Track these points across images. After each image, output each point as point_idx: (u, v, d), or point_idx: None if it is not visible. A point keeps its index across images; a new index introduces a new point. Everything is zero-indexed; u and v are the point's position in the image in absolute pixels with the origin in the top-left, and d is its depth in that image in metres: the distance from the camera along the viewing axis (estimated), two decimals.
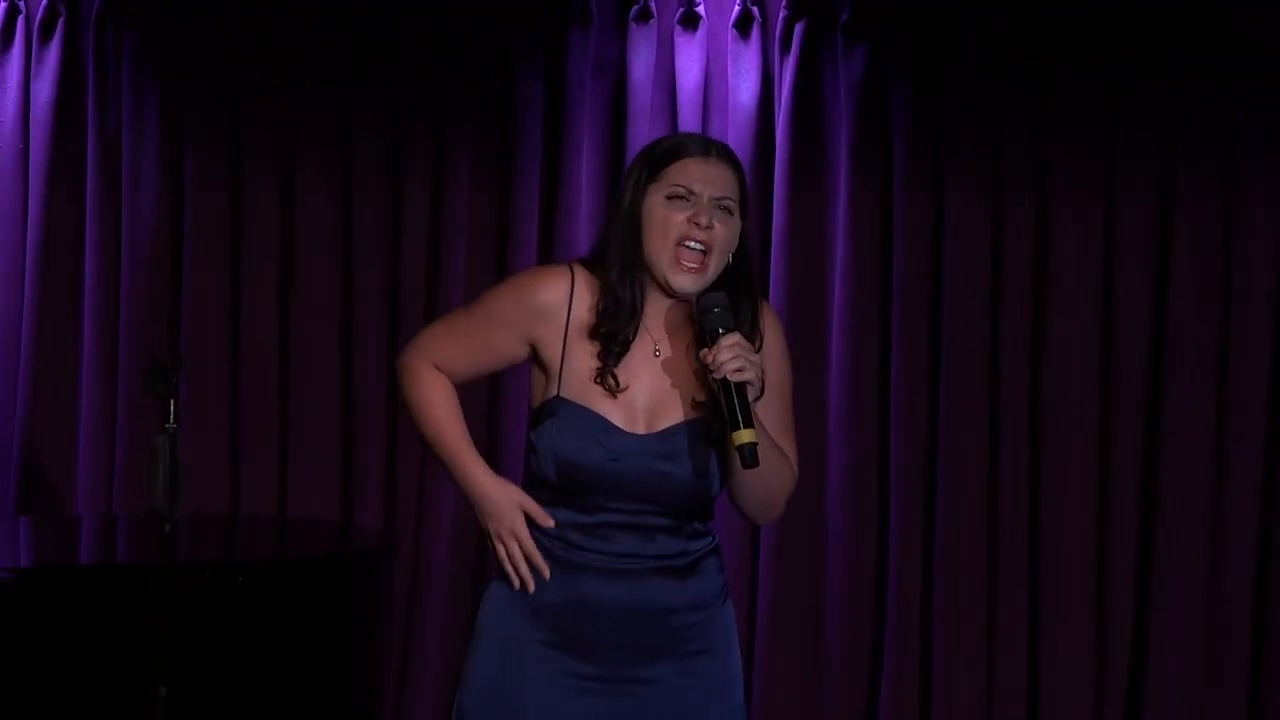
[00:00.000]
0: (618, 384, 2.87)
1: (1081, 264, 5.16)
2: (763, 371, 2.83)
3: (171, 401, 4.01)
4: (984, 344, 5.20)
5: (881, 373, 5.24)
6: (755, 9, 5.23)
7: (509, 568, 2.90)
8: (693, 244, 2.85)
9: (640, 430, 2.87)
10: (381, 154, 5.31)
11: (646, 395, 2.89)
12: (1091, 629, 5.19)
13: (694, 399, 2.89)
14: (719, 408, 2.85)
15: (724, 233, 2.87)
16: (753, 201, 5.24)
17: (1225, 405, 5.15)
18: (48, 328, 5.31)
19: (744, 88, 5.24)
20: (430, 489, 5.34)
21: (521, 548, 2.89)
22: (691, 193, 2.87)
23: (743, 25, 5.24)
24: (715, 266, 2.89)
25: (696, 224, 2.85)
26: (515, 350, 2.96)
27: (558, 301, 2.91)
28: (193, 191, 5.30)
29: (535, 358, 2.95)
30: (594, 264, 2.94)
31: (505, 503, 2.92)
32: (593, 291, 2.92)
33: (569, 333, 2.91)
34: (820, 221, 5.24)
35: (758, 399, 2.83)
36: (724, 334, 2.80)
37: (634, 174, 2.92)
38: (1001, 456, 5.19)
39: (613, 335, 2.89)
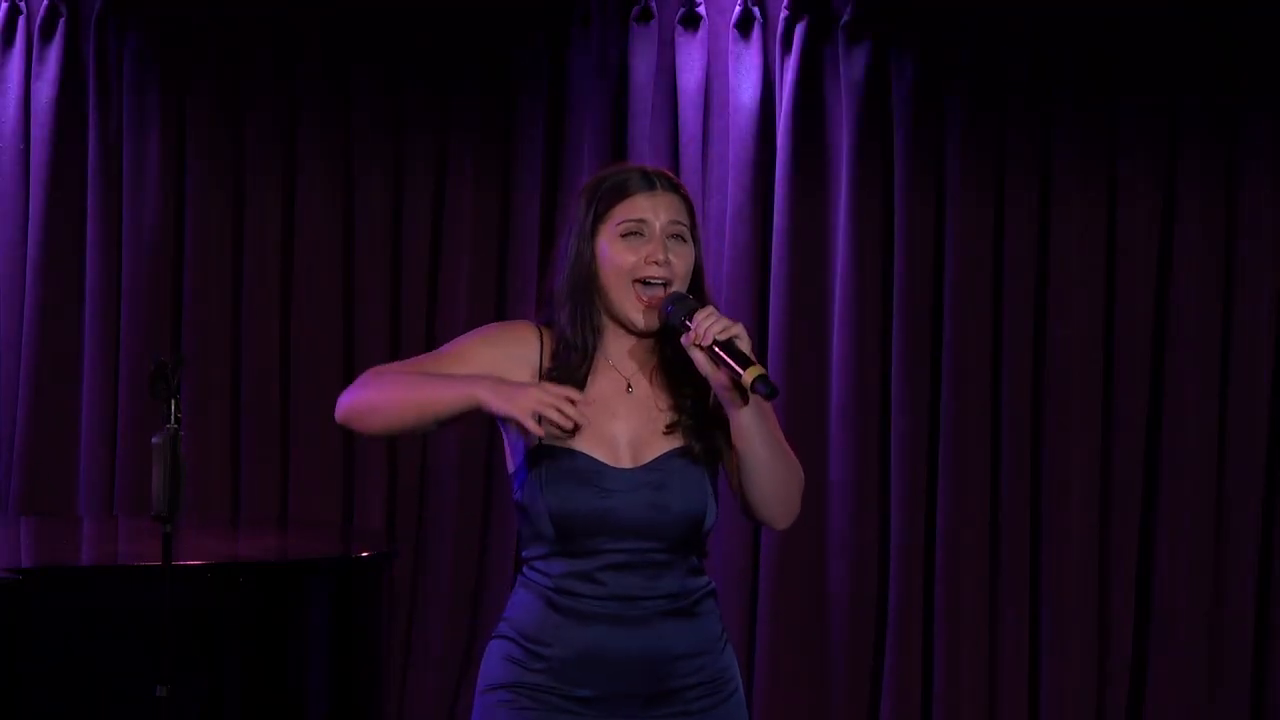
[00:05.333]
0: (576, 424, 2.76)
1: (1083, 264, 5.18)
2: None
3: (172, 401, 4.02)
4: (985, 344, 5.21)
5: (883, 373, 5.25)
6: (756, 9, 5.24)
7: (553, 414, 2.70)
8: (652, 280, 2.83)
9: (627, 464, 2.84)
10: (383, 154, 5.33)
11: (628, 431, 2.86)
12: (1093, 628, 5.20)
13: (674, 428, 2.86)
14: (713, 412, 2.84)
15: (681, 264, 2.85)
16: (754, 201, 5.27)
17: (1227, 406, 5.16)
18: (49, 327, 5.33)
19: (745, 87, 5.25)
20: (430, 489, 5.36)
21: (554, 394, 2.72)
22: (643, 224, 2.85)
23: (743, 25, 5.25)
24: None
25: (655, 262, 2.82)
26: None
27: (530, 350, 2.88)
28: (194, 191, 5.32)
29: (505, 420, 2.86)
30: (548, 319, 2.91)
31: (523, 385, 2.78)
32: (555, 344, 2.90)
33: (551, 379, 2.85)
34: (821, 222, 5.25)
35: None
36: (696, 313, 2.79)
37: (579, 219, 2.88)
38: (1003, 456, 5.21)
39: (565, 377, 2.83)
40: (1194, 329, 5.14)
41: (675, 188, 2.89)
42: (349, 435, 5.31)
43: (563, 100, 5.32)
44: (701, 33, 5.26)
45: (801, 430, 5.16)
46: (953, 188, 5.19)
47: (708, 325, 2.74)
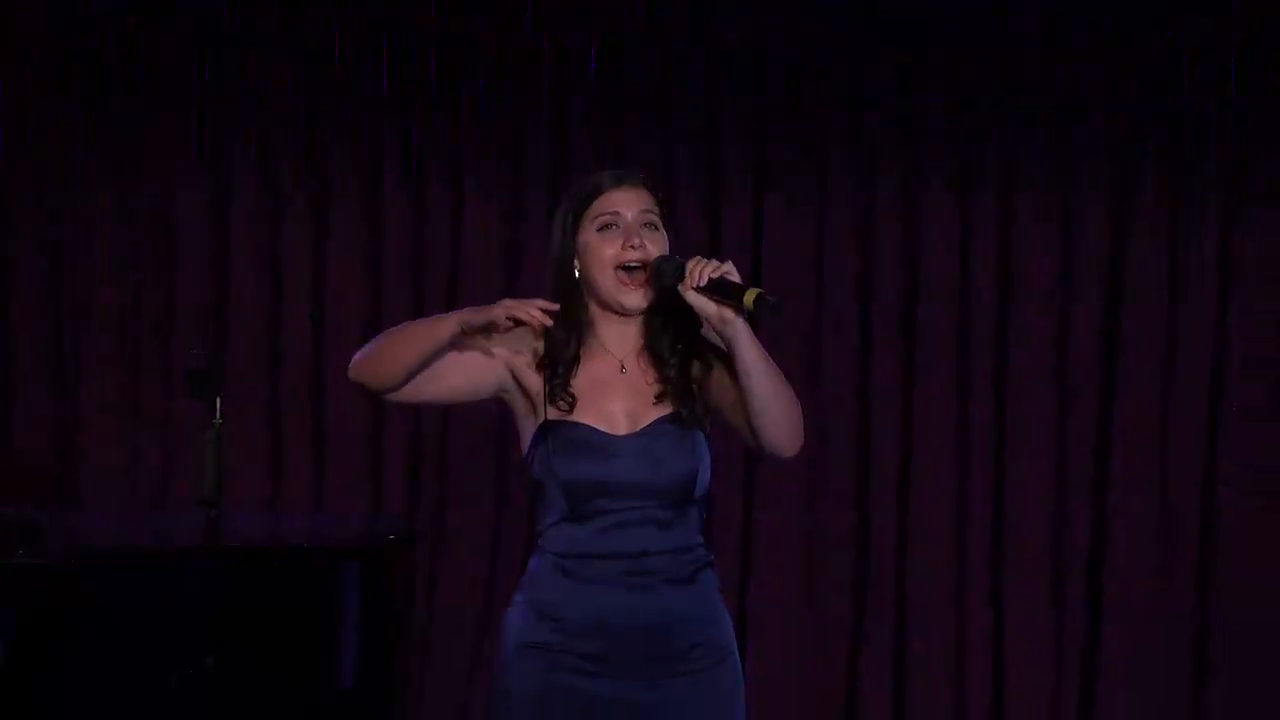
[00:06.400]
0: (573, 400, 3.04)
1: (1042, 272, 5.35)
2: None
3: (216, 400, 4.35)
4: (952, 347, 5.38)
5: (863, 369, 5.43)
6: None
7: (521, 313, 2.93)
8: (631, 264, 3.04)
9: (623, 432, 3.04)
10: (405, 179, 5.49)
11: (624, 405, 3.06)
12: (1049, 614, 5.37)
13: (662, 397, 3.06)
14: (701, 376, 3.06)
15: (655, 249, 3.05)
16: (748, 203, 5.44)
17: (1169, 405, 5.30)
18: (105, 334, 5.51)
19: None
20: (448, 474, 5.50)
21: (523, 300, 2.96)
22: (617, 216, 3.06)
23: None
24: None
25: (631, 246, 3.04)
26: (491, 365, 3.08)
27: (532, 335, 3.07)
28: (236, 216, 5.50)
29: (516, 401, 3.10)
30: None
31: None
32: None
33: (545, 365, 3.08)
34: (807, 230, 5.46)
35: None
36: (686, 263, 2.97)
37: (560, 221, 3.10)
38: (972, 451, 5.39)
39: (556, 361, 3.06)
40: (1143, 331, 5.28)
41: (643, 182, 3.11)
42: (375, 435, 5.48)
43: (566, 117, 5.47)
44: None
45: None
46: (927, 195, 5.40)
47: (701, 268, 2.94)
